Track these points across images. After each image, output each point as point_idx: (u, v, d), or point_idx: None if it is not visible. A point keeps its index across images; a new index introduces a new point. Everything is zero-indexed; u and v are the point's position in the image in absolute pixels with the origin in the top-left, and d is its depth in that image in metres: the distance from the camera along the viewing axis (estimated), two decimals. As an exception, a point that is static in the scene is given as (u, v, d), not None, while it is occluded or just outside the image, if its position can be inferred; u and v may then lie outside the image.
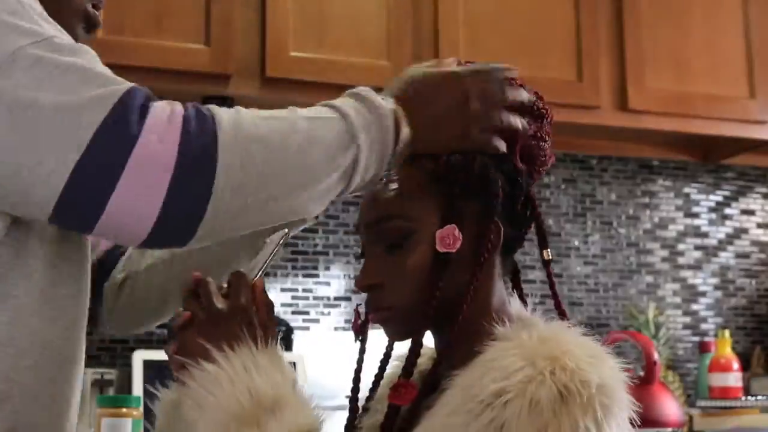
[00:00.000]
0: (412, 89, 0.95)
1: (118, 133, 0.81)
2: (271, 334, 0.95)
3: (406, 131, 0.93)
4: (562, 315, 0.99)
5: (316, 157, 0.88)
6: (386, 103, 0.92)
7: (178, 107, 0.85)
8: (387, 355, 1.06)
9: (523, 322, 0.96)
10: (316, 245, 2.56)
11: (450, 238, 0.94)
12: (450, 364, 0.93)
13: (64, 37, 0.88)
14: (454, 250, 0.94)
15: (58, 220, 0.85)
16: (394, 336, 1.00)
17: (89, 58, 0.87)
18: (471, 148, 0.96)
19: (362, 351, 1.05)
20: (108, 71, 0.86)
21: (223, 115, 0.86)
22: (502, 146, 0.97)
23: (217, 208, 0.84)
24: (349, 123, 0.89)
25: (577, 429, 0.82)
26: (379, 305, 0.97)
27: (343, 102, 0.92)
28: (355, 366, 1.06)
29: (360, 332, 1.04)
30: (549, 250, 1.03)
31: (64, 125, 0.81)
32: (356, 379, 1.05)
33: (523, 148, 1.00)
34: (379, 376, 1.06)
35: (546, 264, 1.03)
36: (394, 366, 1.07)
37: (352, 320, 1.05)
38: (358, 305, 1.03)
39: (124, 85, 0.84)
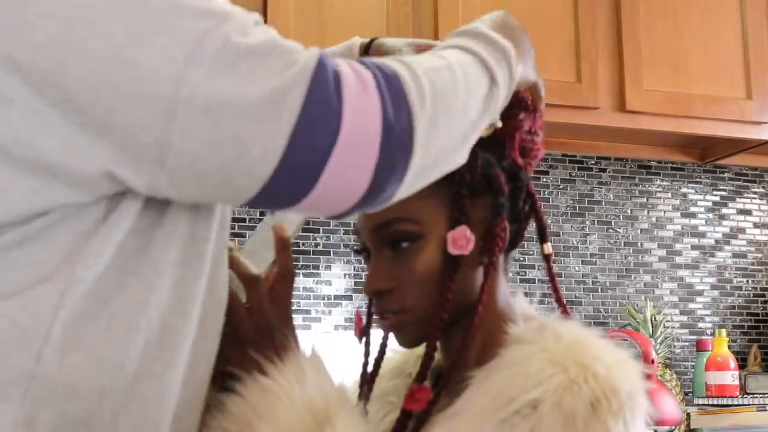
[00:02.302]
0: (506, 29, 0.97)
1: (321, 111, 0.76)
2: (293, 335, 0.93)
3: (519, 69, 0.93)
4: (564, 310, 0.98)
5: (474, 105, 0.86)
6: (503, 40, 0.92)
7: (365, 72, 0.80)
8: (382, 352, 1.06)
9: (534, 320, 0.95)
10: (317, 244, 2.57)
11: (462, 239, 0.93)
12: (462, 364, 0.93)
13: (231, 8, 0.79)
14: (467, 252, 0.93)
15: (253, 204, 0.80)
16: (407, 343, 0.98)
17: (263, 29, 0.79)
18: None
19: (367, 354, 1.04)
20: (285, 41, 0.79)
21: (403, 73, 0.81)
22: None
23: (412, 176, 0.82)
24: (487, 64, 0.88)
25: None
26: (389, 308, 0.96)
27: (468, 43, 0.90)
28: (360, 370, 1.05)
29: (363, 336, 1.03)
30: (549, 244, 1.02)
31: (265, 113, 0.75)
32: (362, 384, 1.04)
33: (519, 143, 0.99)
34: (374, 373, 1.05)
35: (546, 258, 1.02)
36: (388, 359, 1.06)
37: (354, 324, 1.04)
38: (359, 309, 1.01)
39: (311, 54, 0.78)
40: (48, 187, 0.76)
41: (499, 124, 0.95)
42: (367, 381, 1.05)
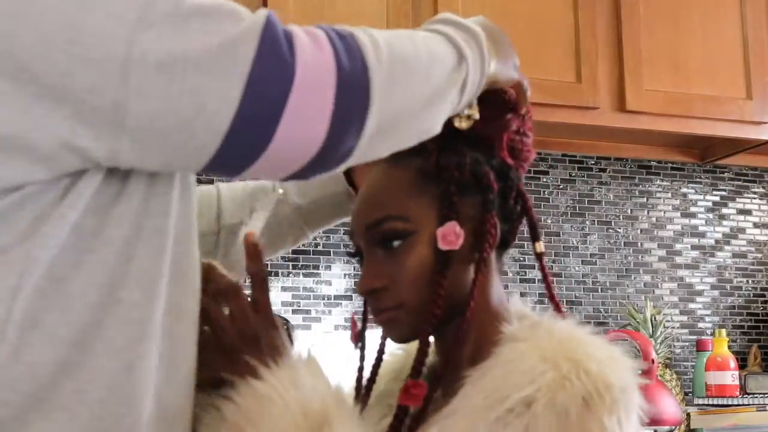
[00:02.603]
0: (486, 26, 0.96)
1: (274, 62, 0.77)
2: (279, 337, 0.93)
3: (494, 64, 0.93)
4: (557, 308, 0.98)
5: (439, 74, 0.86)
6: (474, 26, 0.92)
7: (317, 31, 0.81)
8: (380, 353, 1.05)
9: (528, 318, 0.95)
10: (317, 244, 2.57)
11: (452, 235, 0.93)
12: (456, 363, 0.93)
13: None
14: (456, 248, 0.93)
15: (211, 166, 0.80)
16: (399, 338, 0.99)
17: None
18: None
19: (362, 358, 1.04)
20: (234, 3, 0.80)
21: (359, 34, 0.83)
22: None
23: (370, 133, 0.82)
24: (454, 42, 0.89)
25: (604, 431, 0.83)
26: (384, 306, 0.96)
27: (435, 26, 0.91)
28: (356, 374, 1.05)
29: (358, 340, 1.03)
30: (541, 242, 1.03)
31: (218, 65, 0.76)
32: (358, 387, 1.04)
33: (508, 143, 1.00)
34: (372, 376, 1.05)
35: (539, 257, 1.02)
36: (387, 362, 1.06)
37: (350, 328, 1.05)
38: (354, 313, 1.01)
39: (260, 14, 0.80)
40: (7, 163, 0.76)
41: (477, 116, 0.95)
42: (365, 384, 1.05)
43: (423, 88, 0.85)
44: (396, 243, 0.95)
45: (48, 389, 0.77)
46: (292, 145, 0.79)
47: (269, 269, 2.52)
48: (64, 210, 0.79)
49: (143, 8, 0.75)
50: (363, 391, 1.05)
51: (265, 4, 2.22)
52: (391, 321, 0.97)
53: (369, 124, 0.81)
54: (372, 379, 1.05)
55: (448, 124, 0.93)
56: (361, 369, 1.05)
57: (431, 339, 0.97)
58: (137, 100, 0.75)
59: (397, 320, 0.96)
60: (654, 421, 2.27)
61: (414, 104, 0.85)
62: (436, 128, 0.89)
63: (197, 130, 0.77)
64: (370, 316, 1.01)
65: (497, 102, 0.97)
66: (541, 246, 1.03)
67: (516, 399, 0.84)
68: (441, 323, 0.95)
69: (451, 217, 0.94)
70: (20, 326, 0.77)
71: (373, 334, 1.04)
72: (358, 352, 1.05)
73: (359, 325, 1.04)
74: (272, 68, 0.77)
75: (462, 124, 0.95)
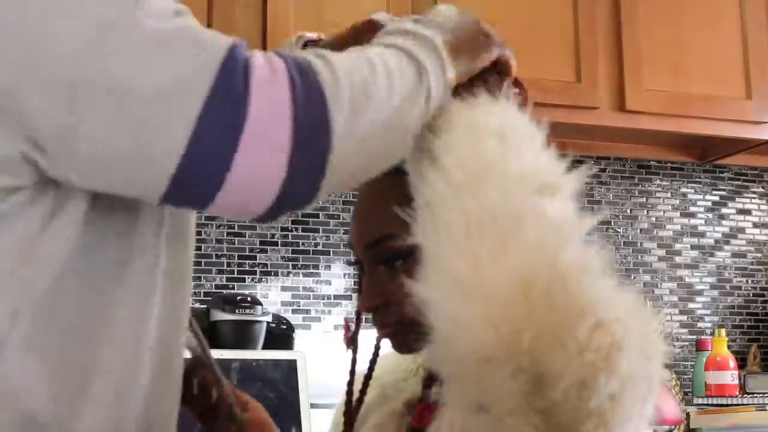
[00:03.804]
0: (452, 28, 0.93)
1: (227, 102, 0.74)
2: None
3: (455, 68, 0.90)
4: None
5: (400, 92, 0.83)
6: (425, 30, 0.89)
7: (277, 62, 0.78)
8: (375, 355, 1.05)
9: None
10: (316, 244, 2.57)
11: None
12: None
13: None
14: None
15: (171, 200, 0.78)
16: (403, 351, 0.98)
17: (182, 19, 0.78)
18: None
19: (354, 362, 1.04)
20: (201, 30, 0.78)
21: (317, 63, 0.80)
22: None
23: (336, 168, 0.79)
24: (412, 55, 0.86)
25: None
26: (387, 323, 0.95)
27: (387, 39, 0.89)
28: (348, 377, 1.04)
29: (351, 343, 1.03)
30: None
31: (168, 102, 0.73)
32: (349, 392, 1.04)
33: None
34: (368, 377, 1.04)
35: None
36: (385, 356, 1.06)
37: (343, 331, 1.04)
38: (347, 317, 1.00)
39: (222, 44, 0.77)
40: None
41: None
42: (362, 384, 1.05)
43: (385, 111, 0.82)
44: (398, 262, 0.94)
45: (44, 411, 0.78)
46: (250, 187, 0.76)
47: (269, 268, 2.53)
48: (53, 230, 0.78)
49: (99, 31, 0.73)
50: (360, 390, 1.05)
51: (264, 8, 2.22)
52: (393, 336, 0.96)
53: (332, 158, 0.78)
54: (368, 379, 1.05)
55: None
56: (352, 372, 1.04)
57: None
58: (86, 126, 0.73)
59: (398, 335, 0.96)
60: (653, 421, 2.26)
61: (378, 130, 0.82)
62: (408, 148, 0.87)
63: (142, 166, 0.74)
64: (365, 316, 1.01)
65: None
66: None
67: None
68: None
69: None
70: (17, 347, 0.76)
71: (368, 335, 1.03)
72: (350, 354, 1.04)
73: (352, 328, 1.04)
74: (225, 107, 0.74)
75: None
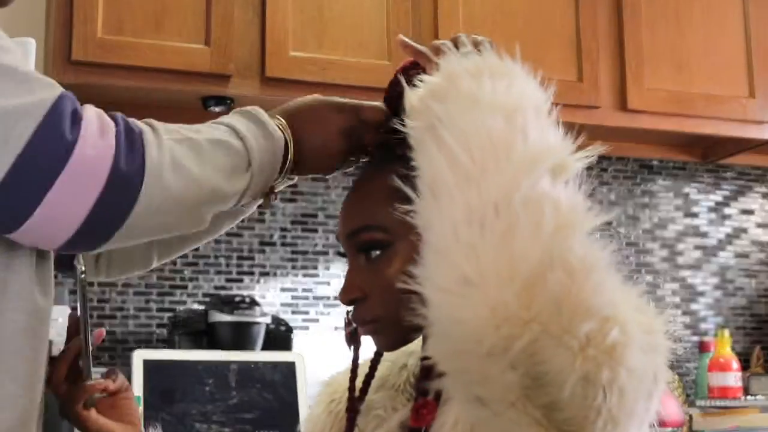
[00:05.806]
0: (299, 117, 1.00)
1: (51, 142, 0.81)
2: None
3: (290, 162, 0.98)
4: None
5: (218, 183, 0.92)
6: (278, 130, 0.97)
7: (108, 120, 0.86)
8: (377, 355, 1.04)
9: None
10: (315, 245, 2.56)
11: None
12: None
13: None
14: None
15: None
16: (383, 348, 0.99)
17: (15, 56, 0.85)
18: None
19: (356, 359, 1.03)
20: (34, 72, 0.85)
21: (148, 136, 0.88)
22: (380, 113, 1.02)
23: (131, 226, 0.87)
24: (248, 148, 0.94)
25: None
26: (364, 318, 0.96)
27: (241, 123, 0.96)
28: (349, 374, 1.04)
29: (351, 341, 1.02)
30: None
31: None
32: (351, 388, 1.03)
33: None
34: (370, 376, 1.04)
35: None
36: (386, 368, 1.05)
37: (344, 328, 1.03)
38: (348, 312, 0.99)
39: (54, 91, 0.84)
40: None
41: (290, 182, 1.03)
42: (363, 384, 1.04)
43: (197, 195, 0.90)
44: (376, 253, 0.94)
45: None
46: (54, 222, 0.83)
47: (268, 269, 2.51)
48: None
49: None
50: (359, 391, 1.04)
51: (263, 7, 2.21)
52: (372, 333, 0.97)
53: (133, 216, 0.86)
54: (371, 375, 1.04)
55: None
56: (354, 369, 1.04)
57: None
58: None
59: (376, 332, 0.96)
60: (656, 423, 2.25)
61: (184, 207, 0.90)
62: (205, 225, 0.95)
63: None
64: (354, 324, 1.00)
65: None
66: None
67: None
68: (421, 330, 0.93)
69: None
70: None
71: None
72: (352, 353, 1.03)
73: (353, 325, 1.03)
74: (48, 147, 0.80)
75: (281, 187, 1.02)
